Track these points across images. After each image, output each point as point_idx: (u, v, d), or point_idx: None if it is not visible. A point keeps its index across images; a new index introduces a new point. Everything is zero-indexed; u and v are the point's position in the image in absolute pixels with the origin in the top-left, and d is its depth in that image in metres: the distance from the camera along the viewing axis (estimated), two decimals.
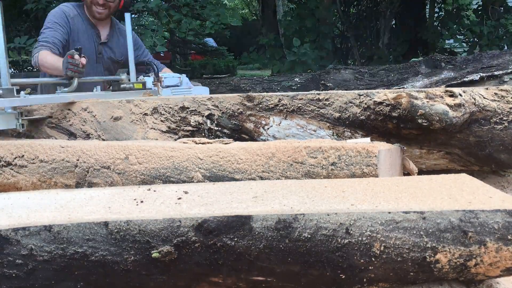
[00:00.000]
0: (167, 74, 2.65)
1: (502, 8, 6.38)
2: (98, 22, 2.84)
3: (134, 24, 5.26)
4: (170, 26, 5.56)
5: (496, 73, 3.82)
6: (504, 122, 1.57)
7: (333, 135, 1.71)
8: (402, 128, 1.61)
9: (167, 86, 2.55)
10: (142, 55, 3.08)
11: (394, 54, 6.73)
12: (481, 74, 3.85)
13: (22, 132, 1.98)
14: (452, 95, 1.53)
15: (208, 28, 5.65)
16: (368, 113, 1.64)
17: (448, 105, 1.52)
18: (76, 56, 2.24)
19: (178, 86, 2.63)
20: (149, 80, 2.48)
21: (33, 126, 2.12)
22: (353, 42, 7.26)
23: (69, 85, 2.24)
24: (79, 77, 2.25)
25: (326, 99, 1.73)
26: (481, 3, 6.69)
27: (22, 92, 2.00)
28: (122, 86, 2.39)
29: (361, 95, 1.65)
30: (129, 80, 2.45)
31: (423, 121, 1.53)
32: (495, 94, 1.58)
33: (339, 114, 1.71)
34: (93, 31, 2.82)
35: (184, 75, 2.74)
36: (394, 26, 7.55)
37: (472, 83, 3.81)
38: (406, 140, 1.64)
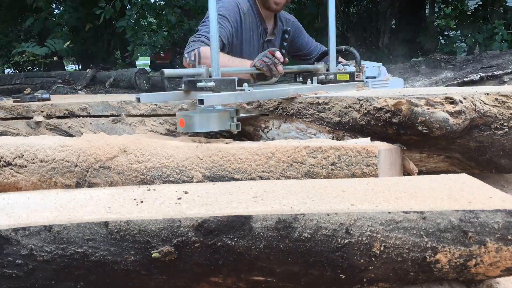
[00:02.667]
0: (368, 63, 2.25)
1: (502, 9, 6.37)
2: (268, 15, 2.44)
3: (134, 25, 5.26)
4: (170, 25, 5.56)
5: (496, 73, 3.82)
6: (505, 127, 1.56)
7: (332, 140, 1.71)
8: (402, 134, 1.61)
9: (367, 78, 2.16)
10: (307, 45, 2.70)
11: (394, 54, 6.73)
12: (481, 74, 3.85)
13: (236, 133, 1.69)
14: (453, 102, 1.53)
15: None
16: (368, 118, 1.64)
17: (448, 112, 1.51)
18: (278, 54, 1.93)
19: (375, 77, 2.24)
20: (350, 69, 2.11)
21: (34, 128, 2.09)
22: (353, 42, 7.26)
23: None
24: (269, 77, 1.95)
25: (326, 103, 1.73)
26: (480, 2, 6.68)
27: (245, 85, 1.70)
28: (320, 77, 2.04)
29: (361, 100, 1.65)
30: (326, 70, 2.08)
31: (424, 128, 1.52)
32: (496, 99, 1.57)
33: (339, 119, 1.70)
34: (260, 27, 2.44)
35: (381, 64, 2.33)
36: (394, 26, 7.54)
37: (472, 83, 3.81)
38: (406, 145, 1.64)
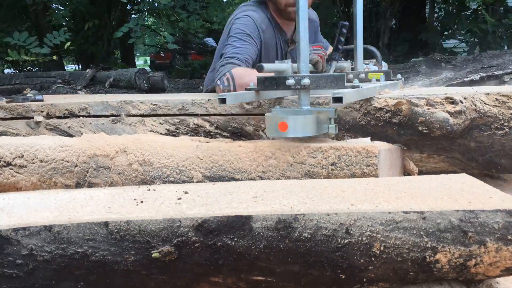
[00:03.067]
0: (385, 63, 2.18)
1: (502, 8, 6.37)
2: (286, 23, 2.34)
3: (139, 24, 5.25)
4: (178, 25, 5.55)
5: (496, 73, 3.82)
6: (505, 127, 1.56)
7: (333, 140, 1.71)
8: (402, 134, 1.61)
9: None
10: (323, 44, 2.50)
11: (394, 54, 6.73)
12: (481, 74, 3.85)
13: (333, 137, 1.55)
14: (453, 102, 1.53)
15: (217, 23, 5.63)
16: (368, 118, 1.64)
17: (448, 112, 1.52)
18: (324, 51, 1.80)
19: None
20: (374, 69, 2.04)
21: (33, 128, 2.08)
22: (353, 42, 7.25)
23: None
24: (322, 65, 1.77)
25: (326, 103, 1.72)
26: (481, 3, 6.68)
27: (356, 80, 1.55)
28: (348, 76, 1.93)
29: (361, 100, 1.65)
30: (351, 69, 1.98)
31: (424, 128, 1.52)
32: (496, 99, 1.57)
33: (339, 119, 1.70)
34: (281, 38, 2.34)
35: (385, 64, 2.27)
36: (394, 26, 7.55)
37: (472, 83, 3.81)
38: (406, 145, 1.64)
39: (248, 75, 1.89)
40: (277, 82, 1.52)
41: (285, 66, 1.54)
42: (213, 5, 5.72)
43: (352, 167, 1.42)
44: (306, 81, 1.45)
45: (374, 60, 2.12)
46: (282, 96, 1.80)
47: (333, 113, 1.49)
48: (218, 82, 2.01)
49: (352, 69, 2.01)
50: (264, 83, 1.56)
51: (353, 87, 1.49)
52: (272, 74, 1.59)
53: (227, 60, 2.05)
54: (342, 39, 1.80)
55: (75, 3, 6.15)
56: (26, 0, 5.75)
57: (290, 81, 1.47)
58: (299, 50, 1.49)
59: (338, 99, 1.34)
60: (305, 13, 1.48)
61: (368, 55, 2.08)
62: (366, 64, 2.09)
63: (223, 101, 1.50)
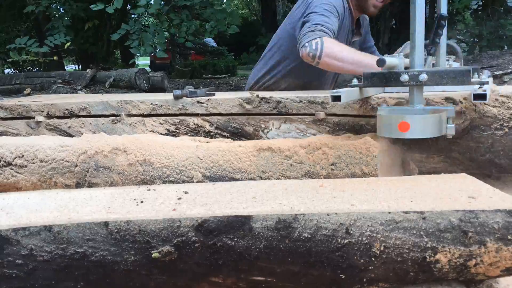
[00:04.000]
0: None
1: (502, 9, 6.38)
2: (356, 15, 2.29)
3: (136, 27, 5.25)
4: (170, 31, 5.56)
5: (496, 73, 3.83)
6: (505, 128, 1.57)
7: (333, 139, 1.71)
8: None
9: None
10: (371, 44, 2.54)
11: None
12: None
13: (449, 138, 1.44)
14: (453, 102, 1.53)
15: (207, 32, 5.65)
16: (368, 118, 1.64)
17: None
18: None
19: None
20: (455, 65, 1.89)
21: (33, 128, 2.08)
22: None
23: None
24: None
25: (326, 103, 1.73)
26: (481, 3, 6.69)
27: (486, 72, 1.37)
28: None
29: (360, 100, 1.65)
30: (432, 65, 1.78)
31: None
32: (496, 100, 1.57)
33: (339, 119, 1.70)
34: (350, 27, 2.29)
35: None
36: (394, 26, 7.55)
37: None
38: (406, 145, 1.64)
39: (338, 46, 1.85)
40: (387, 78, 1.37)
41: (397, 60, 1.40)
42: (210, 10, 5.70)
43: (352, 167, 1.42)
44: (423, 76, 1.31)
45: (454, 56, 2.01)
46: (376, 93, 1.68)
47: (453, 112, 1.39)
48: (306, 44, 1.92)
49: (433, 65, 1.87)
50: (372, 80, 1.41)
51: (480, 83, 1.32)
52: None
53: (316, 27, 1.96)
54: (441, 32, 1.64)
55: (74, 9, 6.15)
56: (28, 7, 5.75)
57: (405, 77, 1.33)
58: (413, 42, 1.37)
59: (481, 97, 1.22)
60: (422, 2, 1.36)
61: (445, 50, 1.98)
62: (446, 60, 1.95)
63: (336, 98, 1.36)
